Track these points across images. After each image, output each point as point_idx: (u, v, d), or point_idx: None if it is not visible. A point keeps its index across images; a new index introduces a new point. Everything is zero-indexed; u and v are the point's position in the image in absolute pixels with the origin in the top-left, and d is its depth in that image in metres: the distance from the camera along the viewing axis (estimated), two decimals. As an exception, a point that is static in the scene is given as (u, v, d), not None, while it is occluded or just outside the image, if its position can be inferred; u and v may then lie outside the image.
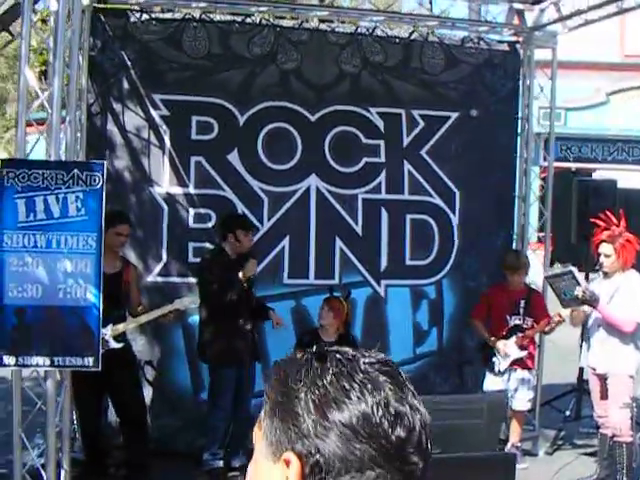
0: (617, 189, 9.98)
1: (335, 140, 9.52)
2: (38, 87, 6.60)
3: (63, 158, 6.81)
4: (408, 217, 9.76)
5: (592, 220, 8.40)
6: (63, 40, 6.48)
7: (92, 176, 6.32)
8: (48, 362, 6.35)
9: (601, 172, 23.96)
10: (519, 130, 10.26)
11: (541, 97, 10.27)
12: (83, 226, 6.33)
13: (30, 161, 6.54)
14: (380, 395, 1.38)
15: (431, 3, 11.44)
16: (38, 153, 7.24)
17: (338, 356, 1.45)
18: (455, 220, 9.91)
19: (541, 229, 10.61)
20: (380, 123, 9.66)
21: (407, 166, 9.73)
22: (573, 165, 23.20)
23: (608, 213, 8.31)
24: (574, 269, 8.30)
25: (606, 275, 8.34)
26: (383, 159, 9.69)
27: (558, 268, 8.61)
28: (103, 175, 6.36)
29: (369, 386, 1.39)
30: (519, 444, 9.14)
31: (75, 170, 6.32)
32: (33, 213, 6.26)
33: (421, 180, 9.79)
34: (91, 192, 6.31)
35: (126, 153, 9.05)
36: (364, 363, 1.44)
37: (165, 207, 9.14)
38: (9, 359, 6.30)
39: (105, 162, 6.77)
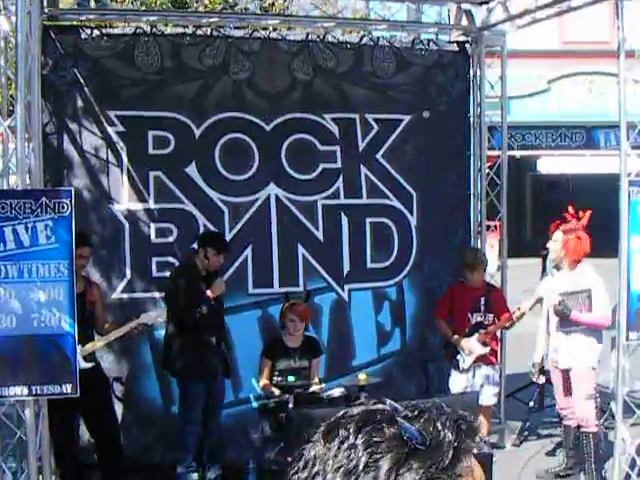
0: (570, 182, 10.21)
1: (291, 148, 9.58)
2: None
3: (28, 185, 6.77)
4: (368, 220, 9.85)
5: (565, 214, 8.57)
6: (24, 66, 6.45)
7: (60, 203, 6.30)
8: (26, 392, 6.33)
9: (545, 159, 24.40)
10: (471, 129, 10.38)
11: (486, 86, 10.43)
12: (54, 254, 6.30)
13: (-3, 191, 6.52)
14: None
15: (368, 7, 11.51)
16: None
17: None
18: (413, 221, 10.02)
19: (491, 219, 10.76)
20: (335, 129, 9.74)
21: (364, 170, 9.82)
22: (517, 153, 23.55)
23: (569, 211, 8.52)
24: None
25: (558, 269, 8.55)
26: (340, 164, 9.77)
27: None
28: (71, 202, 6.34)
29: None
30: (487, 438, 9.28)
31: (43, 198, 6.29)
32: (3, 243, 6.23)
33: (378, 184, 9.88)
34: (60, 219, 6.29)
35: (84, 171, 9.01)
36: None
37: (126, 223, 9.12)
38: (-14, 391, 6.28)
39: (73, 189, 6.74)
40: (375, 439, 1.26)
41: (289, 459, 7.16)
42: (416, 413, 1.33)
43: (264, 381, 8.41)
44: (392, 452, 1.24)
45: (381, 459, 1.24)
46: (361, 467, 1.24)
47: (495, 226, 10.93)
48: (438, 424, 1.30)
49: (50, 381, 6.37)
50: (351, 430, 1.28)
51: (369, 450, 1.25)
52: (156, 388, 9.21)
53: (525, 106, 22.60)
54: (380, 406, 1.35)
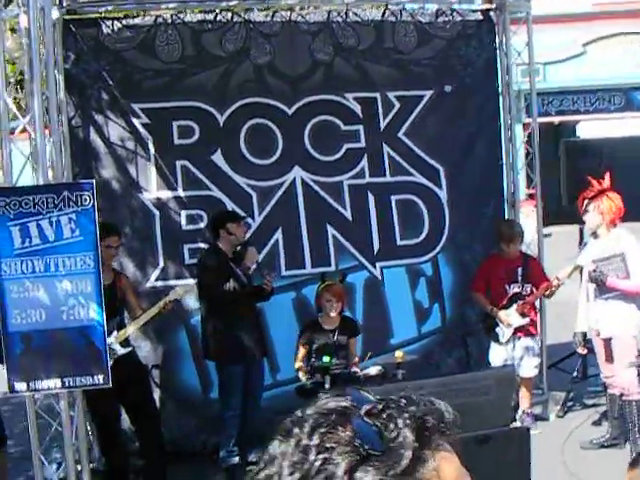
0: (604, 146, 10.05)
1: (314, 130, 9.55)
2: (17, 111, 6.64)
3: (51, 179, 6.83)
4: (393, 198, 9.78)
5: (587, 179, 8.49)
6: (38, 62, 6.49)
7: (82, 196, 6.36)
8: (59, 384, 6.42)
9: (584, 123, 24.07)
10: (500, 98, 10.24)
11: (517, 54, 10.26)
12: (79, 247, 6.37)
13: (20, 188, 6.59)
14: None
15: None
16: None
17: None
18: (443, 195, 9.93)
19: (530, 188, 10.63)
20: (357, 108, 9.67)
21: (386, 149, 9.75)
22: (556, 119, 23.29)
23: (591, 179, 8.43)
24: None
25: (595, 235, 8.45)
26: (363, 144, 9.72)
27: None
28: (93, 194, 6.40)
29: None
30: (530, 410, 9.23)
31: (65, 192, 6.36)
32: (28, 239, 6.31)
33: (401, 161, 9.80)
34: (83, 212, 6.35)
35: (112, 163, 9.09)
36: None
37: (156, 212, 9.20)
38: (20, 385, 6.37)
39: (94, 181, 6.78)
40: (328, 444, 1.19)
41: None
42: (379, 408, 1.24)
43: (299, 364, 8.42)
44: (345, 458, 1.17)
45: (334, 465, 1.17)
46: (313, 473, 1.18)
47: (531, 195, 10.79)
48: (399, 422, 1.21)
49: (82, 373, 6.45)
50: (305, 430, 1.22)
51: (322, 456, 1.18)
52: (194, 374, 9.28)
53: (561, 71, 22.30)
54: (341, 402, 1.26)
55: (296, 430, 1.23)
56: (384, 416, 1.22)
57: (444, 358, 9.98)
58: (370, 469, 1.16)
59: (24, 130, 6.92)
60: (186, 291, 8.26)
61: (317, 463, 1.18)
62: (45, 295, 6.34)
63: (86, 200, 6.35)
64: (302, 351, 8.47)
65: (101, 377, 6.47)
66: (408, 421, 1.21)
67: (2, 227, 6.29)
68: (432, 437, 1.22)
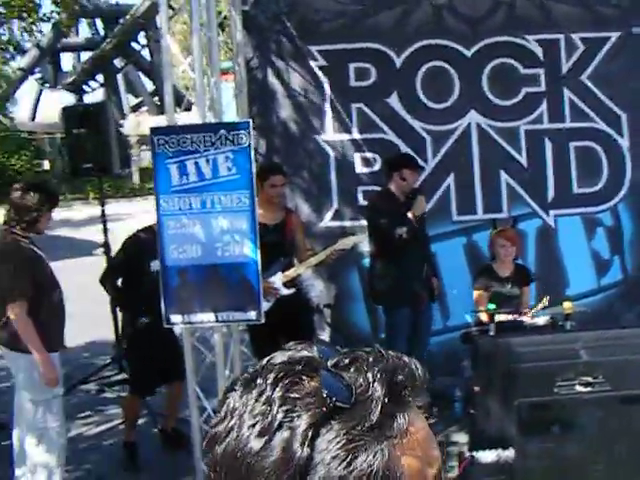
0: None
1: (493, 73, 9.31)
2: (181, 54, 6.84)
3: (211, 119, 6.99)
4: (571, 145, 9.40)
5: None
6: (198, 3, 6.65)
7: (239, 135, 6.46)
8: (213, 318, 6.62)
9: None
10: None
11: None
12: (235, 185, 6.49)
13: (178, 126, 6.76)
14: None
15: None
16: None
17: None
18: (625, 143, 9.45)
19: None
20: (538, 50, 9.32)
21: (567, 93, 9.36)
22: None
23: None
24: None
25: None
26: (543, 88, 9.37)
27: None
28: (249, 133, 6.50)
29: None
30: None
31: (222, 131, 6.48)
32: (185, 176, 6.49)
33: (583, 106, 9.39)
34: (240, 151, 6.46)
35: (289, 105, 9.27)
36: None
37: (332, 154, 9.32)
38: (175, 317, 6.62)
39: (251, 120, 6.91)
40: (292, 394, 1.14)
41: (475, 388, 7.10)
42: (347, 362, 1.19)
43: (480, 307, 8.33)
44: (310, 410, 1.13)
45: (297, 418, 1.12)
46: (276, 425, 1.12)
47: None
48: (369, 375, 1.16)
49: (235, 308, 6.61)
50: (269, 381, 1.17)
51: (285, 407, 1.13)
52: (364, 314, 9.42)
53: None
54: (306, 353, 1.22)
55: (259, 381, 1.19)
56: (352, 369, 1.18)
57: (624, 312, 9.61)
58: (336, 423, 1.12)
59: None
60: (356, 241, 8.29)
61: (279, 415, 1.13)
62: (201, 231, 6.52)
63: (242, 139, 6.46)
64: (480, 294, 8.37)
65: (254, 313, 6.62)
66: (378, 375, 1.16)
67: (161, 165, 6.51)
68: (402, 393, 1.17)
